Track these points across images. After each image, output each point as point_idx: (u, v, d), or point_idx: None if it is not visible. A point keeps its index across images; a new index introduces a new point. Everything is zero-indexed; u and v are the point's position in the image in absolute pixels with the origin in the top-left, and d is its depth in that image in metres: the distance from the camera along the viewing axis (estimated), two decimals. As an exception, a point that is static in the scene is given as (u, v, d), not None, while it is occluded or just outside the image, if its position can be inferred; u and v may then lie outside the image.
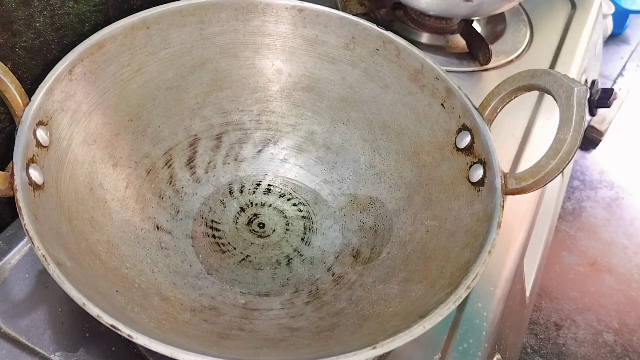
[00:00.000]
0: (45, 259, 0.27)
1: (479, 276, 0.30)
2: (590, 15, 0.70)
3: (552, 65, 0.62)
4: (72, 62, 0.35)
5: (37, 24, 0.39)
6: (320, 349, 0.31)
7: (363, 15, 0.61)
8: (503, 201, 0.33)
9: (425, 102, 0.40)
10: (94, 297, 0.27)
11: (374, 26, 0.42)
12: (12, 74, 0.32)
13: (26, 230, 0.28)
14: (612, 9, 0.82)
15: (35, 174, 0.31)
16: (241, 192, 0.44)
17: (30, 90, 0.33)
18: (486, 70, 0.60)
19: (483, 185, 0.35)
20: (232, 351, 0.32)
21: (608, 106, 0.70)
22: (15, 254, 0.39)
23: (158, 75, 0.41)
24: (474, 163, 0.36)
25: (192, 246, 0.40)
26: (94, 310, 0.26)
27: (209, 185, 0.43)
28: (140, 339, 0.25)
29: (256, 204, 0.43)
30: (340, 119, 0.44)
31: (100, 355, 0.35)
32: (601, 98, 0.69)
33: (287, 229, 0.42)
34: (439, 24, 0.62)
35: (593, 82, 0.72)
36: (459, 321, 0.39)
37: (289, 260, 0.40)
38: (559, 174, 0.33)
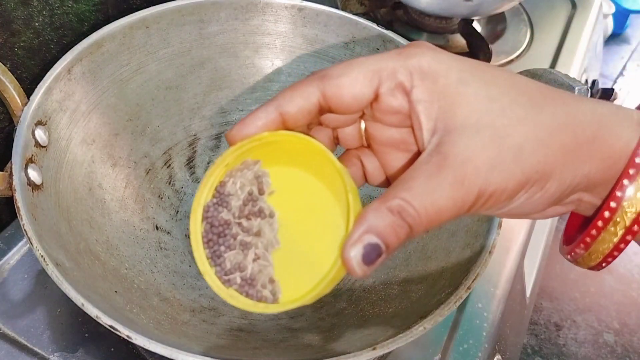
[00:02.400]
0: (44, 259, 0.27)
1: (480, 276, 0.30)
2: (591, 15, 0.69)
3: (553, 64, 0.62)
4: (71, 61, 0.35)
5: (36, 24, 0.38)
6: (320, 350, 0.31)
7: (363, 15, 0.61)
8: (503, 201, 0.33)
9: (425, 102, 0.40)
10: (92, 297, 0.27)
11: (374, 25, 0.42)
12: (10, 73, 0.32)
13: (25, 230, 0.28)
14: (613, 9, 0.82)
15: (33, 174, 0.31)
16: (241, 192, 0.43)
17: (29, 90, 0.33)
18: (486, 70, 0.59)
19: (483, 185, 0.35)
20: (231, 352, 0.31)
21: (608, 106, 0.69)
22: (14, 255, 0.39)
23: (157, 75, 0.40)
24: (475, 163, 0.36)
25: (191, 246, 0.39)
26: (92, 310, 0.26)
27: (208, 185, 0.43)
28: (139, 340, 0.25)
29: (256, 204, 0.43)
30: (340, 118, 0.44)
31: (99, 355, 0.35)
32: (601, 98, 0.69)
33: (286, 229, 0.42)
34: (439, 24, 0.62)
35: (594, 82, 0.72)
36: (459, 322, 0.39)
37: (288, 261, 0.40)
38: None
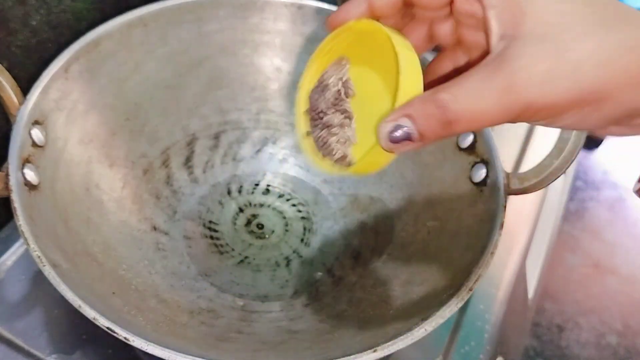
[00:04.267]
0: (41, 260, 0.27)
1: (482, 278, 0.29)
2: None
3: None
4: (68, 60, 0.35)
5: (34, 22, 0.38)
6: (320, 352, 0.31)
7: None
8: (506, 201, 0.33)
9: (426, 101, 0.40)
10: (90, 299, 0.27)
11: (375, 24, 0.41)
12: (7, 72, 0.32)
13: (21, 231, 0.28)
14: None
15: (30, 174, 0.31)
16: (239, 192, 0.43)
17: (26, 89, 0.32)
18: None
19: (485, 185, 0.34)
20: (230, 354, 0.31)
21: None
22: (11, 255, 0.39)
23: (155, 74, 0.40)
24: (477, 163, 0.36)
25: (189, 247, 0.39)
26: (90, 312, 0.26)
27: (206, 185, 0.43)
28: (137, 342, 0.25)
29: (255, 205, 0.43)
30: (340, 118, 0.44)
31: (97, 357, 0.35)
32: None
33: (286, 230, 0.42)
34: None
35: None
36: (460, 323, 0.39)
37: (288, 262, 0.40)
38: (562, 174, 0.32)
